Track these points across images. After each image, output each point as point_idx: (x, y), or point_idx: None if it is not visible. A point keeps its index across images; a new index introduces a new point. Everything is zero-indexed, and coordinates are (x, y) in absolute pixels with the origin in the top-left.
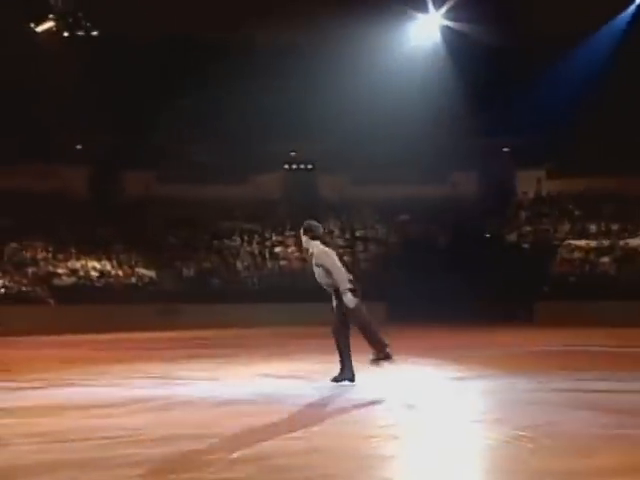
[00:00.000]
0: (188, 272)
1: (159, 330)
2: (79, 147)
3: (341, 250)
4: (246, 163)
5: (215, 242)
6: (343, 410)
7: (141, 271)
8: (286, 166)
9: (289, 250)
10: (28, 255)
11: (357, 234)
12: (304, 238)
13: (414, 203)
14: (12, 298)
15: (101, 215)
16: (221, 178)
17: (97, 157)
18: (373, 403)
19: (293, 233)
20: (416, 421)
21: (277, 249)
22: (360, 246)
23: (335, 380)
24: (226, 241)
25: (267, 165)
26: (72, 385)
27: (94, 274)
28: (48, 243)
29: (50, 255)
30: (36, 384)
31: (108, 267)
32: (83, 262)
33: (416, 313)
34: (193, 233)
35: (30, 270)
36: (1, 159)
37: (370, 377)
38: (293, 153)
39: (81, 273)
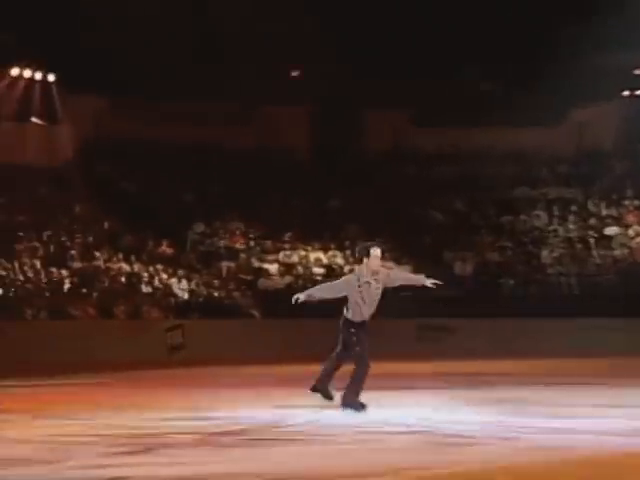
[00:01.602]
0: (463, 268)
1: (421, 359)
2: (295, 74)
3: None
4: (557, 90)
5: (506, 219)
6: None
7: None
8: (625, 92)
9: (630, 232)
10: (221, 243)
11: None
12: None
13: None
14: (198, 309)
15: (328, 180)
16: (515, 117)
17: (320, 92)
18: None
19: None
20: None
21: (609, 230)
22: None
23: None
24: (523, 218)
25: (595, 93)
26: None
27: (318, 271)
28: (249, 225)
29: (252, 243)
30: None
31: (339, 260)
32: (302, 253)
33: None
34: (470, 205)
35: (224, 265)
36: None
37: None
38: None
39: (299, 270)
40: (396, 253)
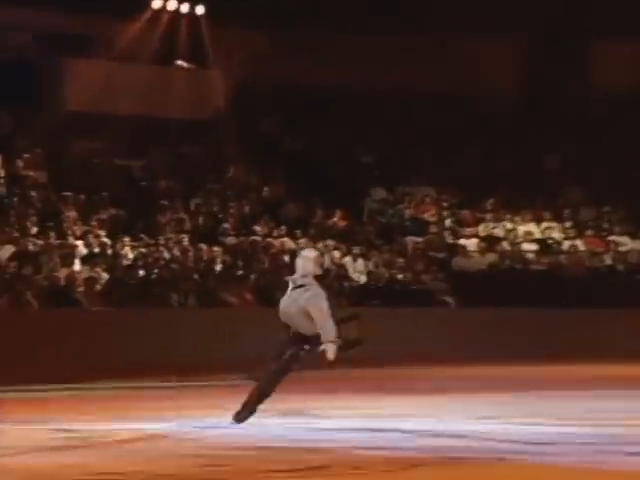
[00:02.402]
0: None
1: None
2: None
3: None
4: None
5: None
6: None
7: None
8: None
9: None
10: (407, 214)
11: None
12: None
13: None
14: (378, 295)
15: (543, 132)
16: None
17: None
18: None
19: None
20: None
21: None
22: None
23: None
24: None
25: None
26: None
27: (528, 247)
28: (441, 190)
29: (446, 213)
30: None
31: (555, 234)
32: (508, 225)
33: None
34: None
35: (410, 241)
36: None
37: None
38: None
39: (504, 246)
40: (630, 226)
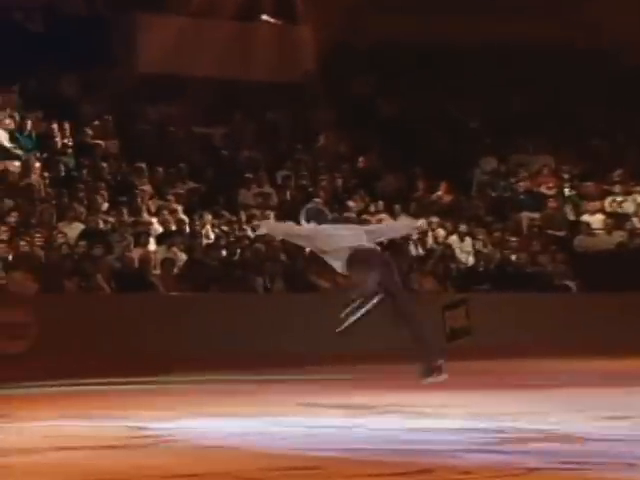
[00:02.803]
0: None
1: None
2: None
3: None
4: None
5: None
6: None
7: None
8: None
9: None
10: (521, 186)
11: None
12: None
13: None
14: (489, 278)
15: None
16: None
17: None
18: None
19: None
20: None
21: None
22: None
23: None
24: None
25: None
26: None
27: None
28: (561, 159)
29: (566, 185)
30: None
31: None
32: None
33: None
34: None
35: (526, 217)
36: None
37: None
38: None
39: (635, 223)
40: None
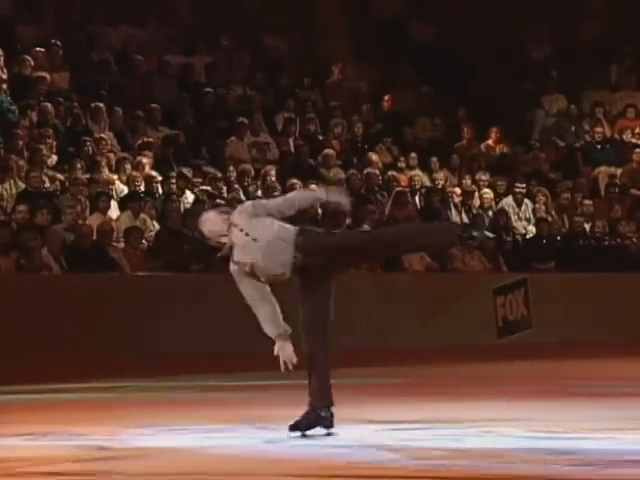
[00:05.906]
0: None
1: None
2: None
3: None
4: None
5: None
6: None
7: None
8: None
9: None
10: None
11: None
12: None
13: None
14: (554, 254)
15: None
16: None
17: None
18: None
19: None
20: None
21: None
22: None
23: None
24: None
25: None
26: None
27: None
28: None
29: None
30: None
31: None
32: None
33: None
34: None
35: (603, 173)
36: None
37: None
38: None
39: None
40: None
